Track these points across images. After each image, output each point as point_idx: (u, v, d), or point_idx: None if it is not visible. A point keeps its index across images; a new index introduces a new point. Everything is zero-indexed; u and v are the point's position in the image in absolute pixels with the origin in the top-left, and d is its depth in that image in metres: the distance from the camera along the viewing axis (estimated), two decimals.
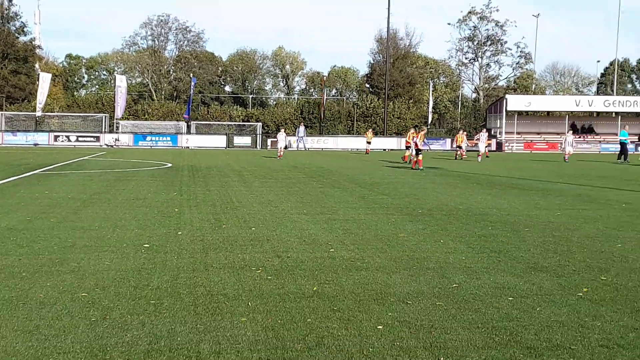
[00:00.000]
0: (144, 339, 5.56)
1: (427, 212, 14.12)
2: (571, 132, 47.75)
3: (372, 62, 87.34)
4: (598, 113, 77.30)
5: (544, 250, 9.69)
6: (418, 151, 31.62)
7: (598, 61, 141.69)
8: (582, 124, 75.67)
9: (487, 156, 41.79)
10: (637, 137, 68.64)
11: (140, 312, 6.33)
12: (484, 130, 44.63)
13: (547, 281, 7.72)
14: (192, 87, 71.99)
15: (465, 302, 6.79)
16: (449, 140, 67.88)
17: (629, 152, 44.51)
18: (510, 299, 6.92)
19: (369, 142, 55.97)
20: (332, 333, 5.75)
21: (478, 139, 45.12)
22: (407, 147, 36.27)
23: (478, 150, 44.53)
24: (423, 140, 32.16)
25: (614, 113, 75.59)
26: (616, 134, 73.45)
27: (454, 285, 7.50)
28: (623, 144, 43.61)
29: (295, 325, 5.97)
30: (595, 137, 73.63)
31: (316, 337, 5.64)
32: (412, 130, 35.10)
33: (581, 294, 7.12)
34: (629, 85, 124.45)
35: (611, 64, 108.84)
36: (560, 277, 7.94)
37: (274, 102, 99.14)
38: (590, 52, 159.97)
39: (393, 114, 77.94)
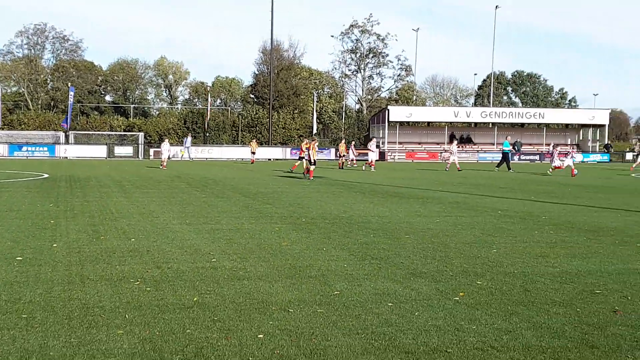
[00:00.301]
0: (14, 354, 5.32)
1: (310, 221, 14.18)
2: (456, 142, 49.11)
3: (256, 72, 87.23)
4: (476, 123, 79.90)
5: (423, 257, 9.88)
6: (311, 161, 31.75)
7: (475, 74, 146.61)
8: (461, 134, 77.95)
9: (370, 166, 42.26)
10: (512, 147, 71.22)
11: (11, 326, 6.06)
12: (374, 139, 45.17)
13: (426, 286, 7.86)
14: (70, 96, 69.90)
15: (346, 308, 6.82)
16: (333, 150, 68.51)
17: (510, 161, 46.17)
18: (390, 304, 7.00)
19: (253, 152, 55.91)
20: (211, 343, 5.66)
21: (370, 149, 45.28)
22: (301, 158, 36.16)
23: (367, 159, 44.63)
24: (314, 149, 32.26)
25: (490, 123, 78.31)
26: (492, 144, 76.17)
27: (336, 292, 7.54)
28: (505, 154, 45.21)
29: (174, 336, 5.85)
30: (473, 146, 76.01)
31: (195, 348, 5.54)
32: (306, 141, 35.20)
33: (458, 299, 7.28)
34: (505, 97, 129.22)
35: (488, 76, 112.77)
36: (438, 282, 8.11)
37: (157, 112, 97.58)
38: (468, 65, 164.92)
39: (278, 124, 78.16)
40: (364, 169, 42.07)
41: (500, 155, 46.82)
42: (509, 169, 43.98)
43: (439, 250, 10.51)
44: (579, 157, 39.67)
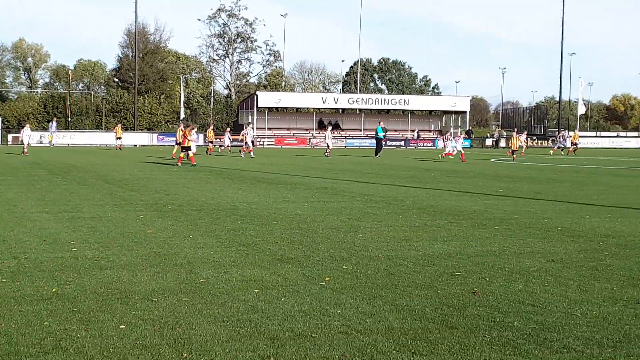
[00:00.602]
0: None
1: (177, 208, 13.96)
2: (330, 127, 49.64)
3: (120, 56, 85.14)
4: (343, 110, 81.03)
5: (290, 242, 9.91)
6: (187, 148, 31.22)
7: (343, 60, 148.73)
8: (329, 120, 78.90)
9: (249, 152, 41.90)
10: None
11: None
12: (249, 125, 44.75)
13: (293, 272, 7.88)
14: None
15: (212, 296, 6.75)
16: (202, 136, 67.84)
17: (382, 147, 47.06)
18: (256, 291, 6.97)
19: (119, 138, 54.60)
20: (71, 335, 5.46)
21: (245, 135, 44.49)
22: (177, 144, 35.18)
23: (246, 145, 43.69)
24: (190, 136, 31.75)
25: (357, 110, 79.62)
26: (360, 130, 77.48)
27: (202, 280, 7.44)
28: (379, 139, 46.01)
29: (31, 329, 5.61)
30: (341, 132, 77.06)
31: (54, 340, 5.33)
32: (182, 127, 34.55)
33: (324, 283, 7.34)
34: (372, 84, 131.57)
35: (355, 63, 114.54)
36: (304, 267, 8.15)
37: (15, 96, 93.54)
38: (335, 52, 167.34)
39: (144, 109, 76.60)
40: (242, 155, 41.60)
41: (375, 141, 47.59)
42: (376, 154, 44.68)
43: (307, 235, 10.57)
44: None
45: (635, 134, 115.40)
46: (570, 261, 8.66)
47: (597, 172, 28.92)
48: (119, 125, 59.09)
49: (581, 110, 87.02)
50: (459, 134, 46.35)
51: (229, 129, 49.53)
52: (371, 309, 6.34)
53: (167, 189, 18.35)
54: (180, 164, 30.35)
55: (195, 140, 33.08)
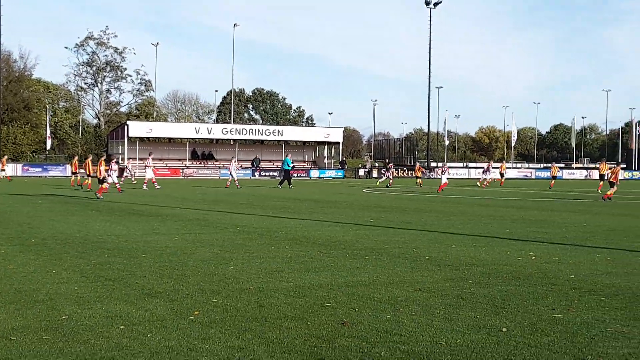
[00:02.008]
0: None
1: (41, 242, 13.43)
2: (233, 159, 49.43)
3: None
4: (217, 140, 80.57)
5: (159, 276, 9.69)
6: (103, 180, 30.03)
7: (217, 90, 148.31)
8: (203, 151, 78.32)
9: (153, 183, 40.88)
10: (250, 163, 72.80)
11: None
12: (151, 156, 43.82)
13: (161, 306, 7.70)
14: None
15: (75, 333, 6.49)
16: (69, 167, 65.85)
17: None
18: (122, 327, 6.76)
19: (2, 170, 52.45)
20: None
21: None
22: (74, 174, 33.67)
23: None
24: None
25: (232, 140, 79.38)
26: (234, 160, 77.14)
27: (64, 316, 7.15)
28: (287, 171, 46.23)
29: None
30: (215, 162, 76.59)
31: None
32: (102, 159, 33.21)
33: (192, 317, 7.19)
34: (246, 114, 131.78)
35: (228, 93, 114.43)
36: (173, 301, 7.97)
37: None
38: (209, 82, 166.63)
39: (8, 139, 73.74)
40: (145, 188, 40.45)
41: (283, 172, 48.01)
42: (289, 184, 44.96)
43: (176, 268, 10.37)
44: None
45: (499, 164, 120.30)
46: (437, 290, 8.86)
47: (463, 202, 29.89)
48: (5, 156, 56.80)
49: (447, 141, 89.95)
50: (445, 167, 48.13)
51: (114, 160, 47.57)
52: (240, 343, 6.25)
53: (30, 221, 17.65)
54: (100, 196, 29.09)
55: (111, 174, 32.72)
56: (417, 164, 47.93)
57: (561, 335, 6.63)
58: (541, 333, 6.69)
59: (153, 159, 44.76)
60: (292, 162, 48.99)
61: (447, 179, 44.27)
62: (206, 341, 6.30)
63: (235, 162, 47.39)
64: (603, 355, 5.96)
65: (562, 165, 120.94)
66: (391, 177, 50.67)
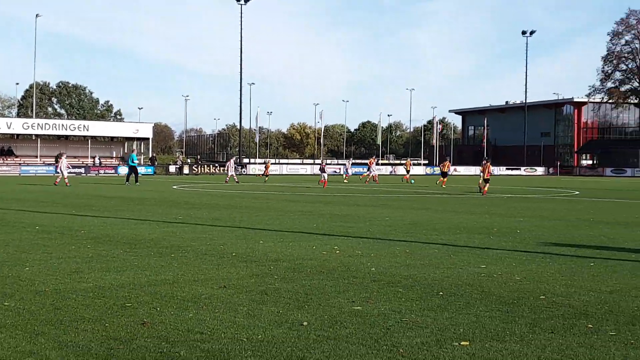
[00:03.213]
0: None
1: None
2: (64, 155, 46.75)
3: None
4: (18, 135, 76.66)
5: None
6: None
7: (17, 83, 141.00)
8: (2, 147, 74.29)
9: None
10: (53, 159, 69.79)
11: None
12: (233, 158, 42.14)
13: None
14: None
15: None
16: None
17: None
18: None
19: None
20: None
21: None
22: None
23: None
24: None
25: (34, 135, 75.81)
26: (36, 156, 73.85)
27: None
28: (133, 167, 44.66)
29: None
30: (15, 159, 72.82)
31: None
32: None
33: None
34: (50, 109, 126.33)
35: (31, 86, 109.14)
36: None
37: None
38: (9, 74, 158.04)
39: None
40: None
41: (128, 168, 46.58)
42: (136, 181, 44.10)
43: None
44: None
45: (311, 161, 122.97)
46: (242, 286, 8.85)
47: (273, 198, 30.17)
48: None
49: (257, 137, 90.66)
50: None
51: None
52: (32, 348, 5.93)
53: None
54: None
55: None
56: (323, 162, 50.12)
57: (359, 326, 6.81)
58: (340, 325, 6.84)
59: None
60: (137, 159, 48.21)
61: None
62: None
63: (65, 158, 45.19)
64: (397, 344, 6.18)
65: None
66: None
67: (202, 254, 11.77)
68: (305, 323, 6.91)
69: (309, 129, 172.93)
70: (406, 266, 10.71)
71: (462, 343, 6.25)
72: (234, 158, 58.43)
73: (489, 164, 35.93)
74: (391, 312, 7.47)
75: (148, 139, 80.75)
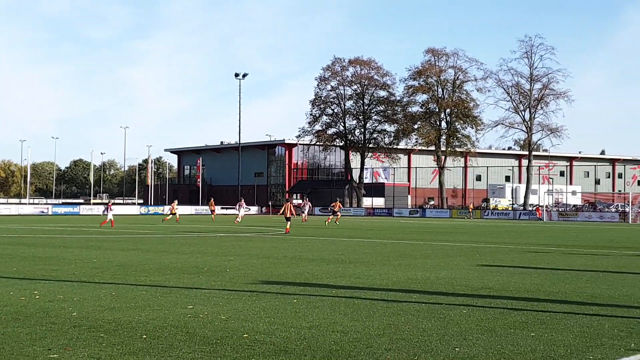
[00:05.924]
0: None
1: None
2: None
3: None
4: None
5: None
6: None
7: None
8: None
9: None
10: None
11: None
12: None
13: None
14: None
15: None
16: None
17: None
18: None
19: None
20: None
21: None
22: None
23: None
24: None
25: None
26: None
27: None
28: None
29: None
30: None
31: None
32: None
33: None
34: None
35: None
36: None
37: None
38: None
39: None
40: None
41: None
42: None
43: None
44: None
45: (17, 200, 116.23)
46: None
47: None
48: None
49: None
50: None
51: None
52: None
53: None
54: None
55: None
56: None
57: None
58: None
59: None
60: None
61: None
62: None
63: None
64: None
65: (82, 201, 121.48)
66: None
67: None
68: None
69: (15, 166, 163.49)
70: (111, 309, 10.36)
71: None
72: None
73: (339, 203, 52.64)
74: (90, 359, 7.15)
75: None
